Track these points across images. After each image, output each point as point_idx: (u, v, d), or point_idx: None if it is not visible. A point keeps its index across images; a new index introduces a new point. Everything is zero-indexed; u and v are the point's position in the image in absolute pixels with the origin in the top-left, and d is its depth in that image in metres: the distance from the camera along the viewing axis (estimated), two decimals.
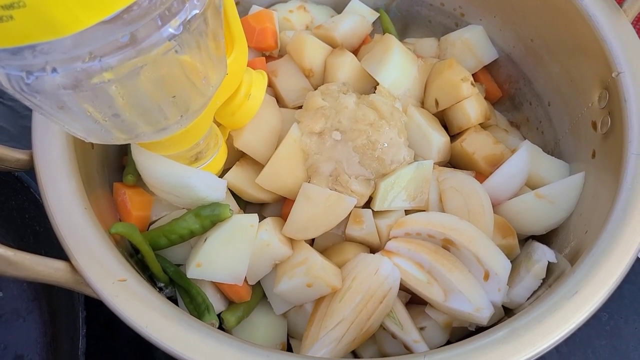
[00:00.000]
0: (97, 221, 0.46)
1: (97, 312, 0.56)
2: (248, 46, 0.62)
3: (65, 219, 0.45)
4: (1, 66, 0.34)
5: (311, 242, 0.58)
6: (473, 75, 0.71)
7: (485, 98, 0.73)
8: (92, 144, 0.54)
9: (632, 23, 0.56)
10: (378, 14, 0.74)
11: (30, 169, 0.49)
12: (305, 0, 0.76)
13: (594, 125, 0.57)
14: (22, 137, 0.84)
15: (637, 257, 0.73)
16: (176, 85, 0.39)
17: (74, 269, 0.44)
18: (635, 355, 0.67)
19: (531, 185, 0.61)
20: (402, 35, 0.79)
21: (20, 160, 0.49)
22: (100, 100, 0.37)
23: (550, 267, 0.54)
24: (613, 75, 0.53)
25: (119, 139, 0.42)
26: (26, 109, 0.87)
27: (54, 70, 0.33)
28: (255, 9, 0.72)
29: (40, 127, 0.50)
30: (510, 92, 0.73)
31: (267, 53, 0.70)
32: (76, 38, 0.31)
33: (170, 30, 0.35)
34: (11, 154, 0.48)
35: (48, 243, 0.60)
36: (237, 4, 0.74)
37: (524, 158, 0.59)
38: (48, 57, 0.32)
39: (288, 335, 0.58)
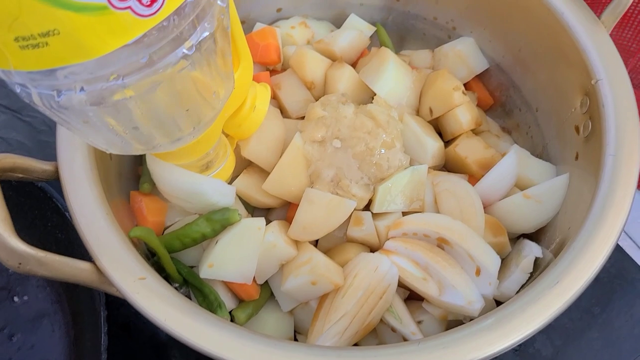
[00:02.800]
0: (117, 225, 0.50)
1: (116, 314, 0.60)
2: (253, 61, 0.66)
3: (89, 223, 0.49)
4: (34, 86, 0.38)
5: (315, 243, 0.62)
6: (466, 84, 0.75)
7: (478, 105, 0.76)
8: (110, 155, 0.58)
9: (611, 32, 0.60)
10: (375, 28, 0.79)
11: (55, 179, 0.53)
12: (306, 17, 0.80)
13: (577, 129, 0.61)
14: (40, 151, 0.89)
15: (628, 254, 0.77)
16: (189, 100, 0.43)
17: (98, 269, 0.47)
18: (627, 345, 0.70)
19: (521, 186, 0.64)
20: (398, 48, 0.83)
21: (47, 171, 0.53)
22: (122, 115, 0.40)
23: (538, 262, 0.57)
24: (592, 82, 0.57)
25: (137, 150, 0.46)
26: (43, 124, 0.92)
27: (82, 89, 0.37)
28: (259, 26, 0.77)
29: (63, 140, 0.54)
30: (502, 100, 0.77)
31: (270, 67, 0.75)
32: (102, 60, 0.35)
33: (184, 51, 0.39)
34: (38, 165, 0.52)
35: (69, 250, 0.63)
36: (242, 22, 0.78)
37: (513, 161, 0.62)
38: (77, 77, 0.36)
39: (295, 331, 0.62)
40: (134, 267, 0.48)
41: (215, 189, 0.57)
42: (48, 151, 0.54)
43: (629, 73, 0.57)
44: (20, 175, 0.51)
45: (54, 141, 0.54)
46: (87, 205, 0.50)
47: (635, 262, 0.76)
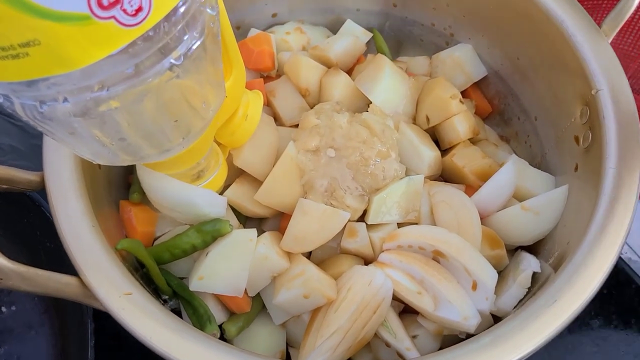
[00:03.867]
0: (104, 238, 0.49)
1: (106, 324, 0.58)
2: (247, 67, 0.65)
3: (74, 237, 0.48)
4: (16, 97, 0.37)
5: (308, 254, 0.61)
6: (464, 91, 0.74)
7: (476, 113, 0.75)
8: (99, 164, 0.57)
9: (612, 41, 0.58)
10: (372, 34, 0.78)
11: (41, 190, 0.52)
12: (301, 22, 0.79)
13: (577, 139, 0.59)
14: (33, 155, 0.87)
15: (628, 264, 0.76)
16: (178, 110, 0.42)
17: (83, 283, 0.46)
18: None
19: (519, 197, 0.63)
20: (395, 54, 0.82)
21: (33, 181, 0.51)
22: (108, 126, 0.39)
23: (536, 276, 0.56)
24: (592, 92, 0.56)
25: (125, 161, 0.45)
26: (36, 129, 0.91)
27: (65, 99, 0.36)
28: (254, 31, 0.75)
29: (50, 150, 0.52)
30: (500, 108, 0.76)
31: (265, 74, 0.73)
32: (86, 71, 0.34)
33: (172, 61, 0.38)
34: (24, 176, 0.51)
35: (59, 258, 0.62)
36: (237, 27, 0.77)
37: (511, 172, 0.61)
38: (60, 88, 0.35)
39: (287, 344, 0.61)
40: (120, 282, 0.46)
41: (206, 200, 0.56)
42: (42, 156, 0.53)
43: (629, 78, 0.56)
44: (5, 187, 0.50)
45: None
46: (73, 217, 0.49)
47: (636, 273, 0.75)
